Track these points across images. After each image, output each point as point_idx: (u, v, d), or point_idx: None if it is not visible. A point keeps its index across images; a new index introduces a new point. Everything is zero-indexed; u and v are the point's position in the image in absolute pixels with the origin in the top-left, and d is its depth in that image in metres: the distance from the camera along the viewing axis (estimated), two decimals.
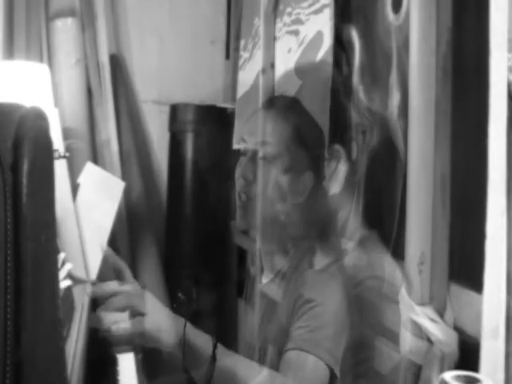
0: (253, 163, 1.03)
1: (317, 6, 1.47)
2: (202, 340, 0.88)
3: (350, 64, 1.42)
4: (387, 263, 1.02)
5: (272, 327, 1.03)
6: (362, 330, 0.95)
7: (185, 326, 0.87)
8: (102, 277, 1.74)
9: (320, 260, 1.02)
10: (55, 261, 0.66)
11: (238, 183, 1.05)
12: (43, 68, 1.75)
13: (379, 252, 1.02)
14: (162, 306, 0.89)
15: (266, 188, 1.01)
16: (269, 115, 1.06)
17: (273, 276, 1.06)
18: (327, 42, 1.42)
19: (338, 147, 1.03)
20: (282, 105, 1.11)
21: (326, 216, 1.08)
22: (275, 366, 1.00)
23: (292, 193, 1.03)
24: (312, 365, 0.88)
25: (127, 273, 0.93)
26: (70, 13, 2.11)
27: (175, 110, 2.33)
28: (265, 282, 1.08)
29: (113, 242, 1.98)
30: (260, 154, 1.02)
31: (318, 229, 1.05)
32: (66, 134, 1.90)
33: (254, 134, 1.05)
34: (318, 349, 0.89)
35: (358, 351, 0.95)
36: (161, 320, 0.87)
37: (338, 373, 0.90)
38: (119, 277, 0.92)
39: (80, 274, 1.61)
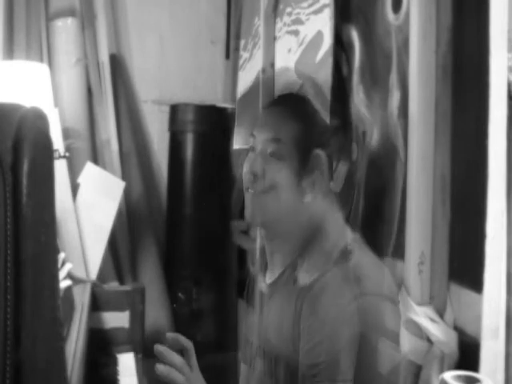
0: (262, 159, 1.02)
1: (317, 6, 1.47)
2: None
3: (350, 64, 1.42)
4: (375, 269, 1.01)
5: (272, 329, 1.03)
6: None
7: None
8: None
9: (320, 262, 1.01)
10: (55, 261, 0.66)
11: (246, 179, 1.04)
12: (43, 68, 1.75)
13: (366, 257, 1.01)
14: None
15: (274, 185, 1.01)
16: (280, 112, 1.06)
17: (276, 277, 1.06)
18: (327, 41, 1.41)
19: (319, 152, 1.03)
20: (293, 103, 1.10)
21: (327, 217, 1.08)
22: (271, 368, 1.00)
23: (301, 192, 1.03)
24: None
25: (192, 353, 0.95)
26: (70, 13, 2.11)
27: (175, 110, 2.33)
28: (269, 283, 1.08)
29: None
30: (270, 150, 1.01)
31: (319, 229, 1.05)
32: (66, 134, 1.90)
33: (264, 130, 1.04)
34: None
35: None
36: None
37: None
38: (183, 354, 0.95)
39: (80, 273, 1.61)
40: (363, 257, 1.00)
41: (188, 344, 0.95)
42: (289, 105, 1.09)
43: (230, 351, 1.97)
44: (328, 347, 0.90)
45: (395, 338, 1.10)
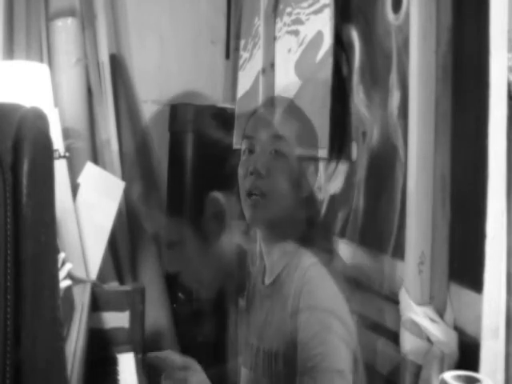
0: (267, 157, 1.02)
1: (317, 6, 1.47)
2: None
3: (350, 64, 1.42)
4: (324, 284, 1.00)
5: (272, 327, 1.03)
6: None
7: None
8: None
9: (310, 258, 1.01)
10: (55, 261, 0.66)
11: (248, 180, 1.03)
12: (43, 68, 1.75)
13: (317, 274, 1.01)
14: None
15: (281, 183, 1.01)
16: (278, 112, 1.06)
17: (274, 278, 1.06)
18: (327, 41, 1.42)
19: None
20: (286, 104, 1.11)
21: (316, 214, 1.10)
22: (269, 369, 1.00)
23: (301, 187, 1.03)
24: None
25: (194, 365, 0.94)
26: (70, 13, 2.11)
27: (175, 110, 2.33)
28: (267, 284, 1.08)
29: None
30: (274, 148, 1.01)
31: (310, 225, 1.07)
32: (66, 133, 1.90)
33: (262, 130, 1.04)
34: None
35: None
36: None
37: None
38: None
39: (80, 273, 1.61)
40: (314, 272, 1.00)
41: (188, 361, 0.93)
42: (283, 105, 1.09)
43: (231, 354, 1.97)
44: (325, 338, 0.91)
45: (395, 338, 1.10)
